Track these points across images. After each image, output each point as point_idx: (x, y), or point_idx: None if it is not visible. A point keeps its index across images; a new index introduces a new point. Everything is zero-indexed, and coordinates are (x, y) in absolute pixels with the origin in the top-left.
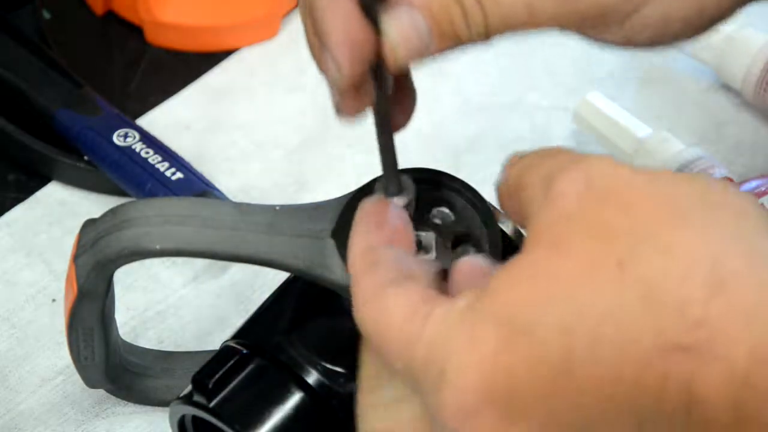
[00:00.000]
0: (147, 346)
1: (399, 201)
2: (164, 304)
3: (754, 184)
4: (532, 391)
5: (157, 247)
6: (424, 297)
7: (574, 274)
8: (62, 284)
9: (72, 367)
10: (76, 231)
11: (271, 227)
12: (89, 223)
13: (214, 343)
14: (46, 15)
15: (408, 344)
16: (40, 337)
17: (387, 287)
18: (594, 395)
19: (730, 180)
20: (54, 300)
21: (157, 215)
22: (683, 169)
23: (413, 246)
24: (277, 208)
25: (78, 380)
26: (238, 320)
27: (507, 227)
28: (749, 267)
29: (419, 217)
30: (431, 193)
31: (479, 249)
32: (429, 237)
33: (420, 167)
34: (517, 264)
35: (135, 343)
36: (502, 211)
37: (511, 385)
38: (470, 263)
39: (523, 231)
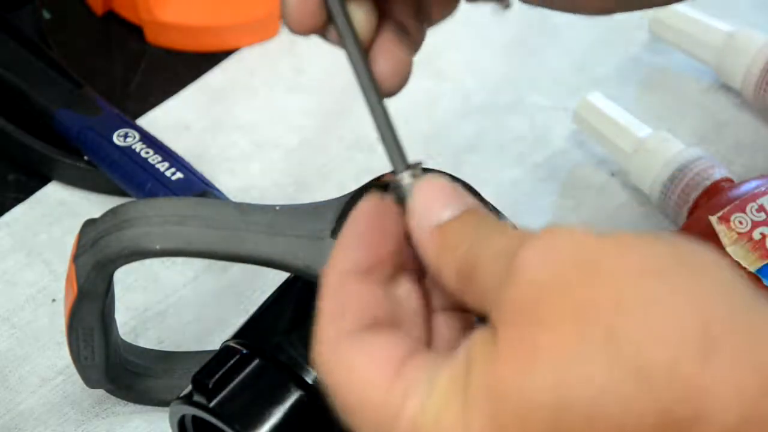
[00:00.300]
0: (147, 346)
1: (406, 177)
2: (164, 304)
3: (754, 184)
4: None
5: (157, 247)
6: (396, 358)
7: (561, 351)
8: (62, 284)
9: (72, 367)
10: (76, 231)
11: (271, 227)
12: (89, 223)
13: (214, 343)
14: (46, 15)
15: (384, 419)
16: (40, 337)
17: (350, 341)
18: None
19: (730, 180)
20: (54, 300)
21: (157, 215)
22: (683, 169)
23: (402, 262)
24: (277, 208)
25: (78, 380)
26: (238, 320)
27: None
28: (736, 324)
29: None
30: None
31: None
32: None
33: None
34: (500, 340)
35: (135, 343)
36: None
37: None
38: (434, 186)
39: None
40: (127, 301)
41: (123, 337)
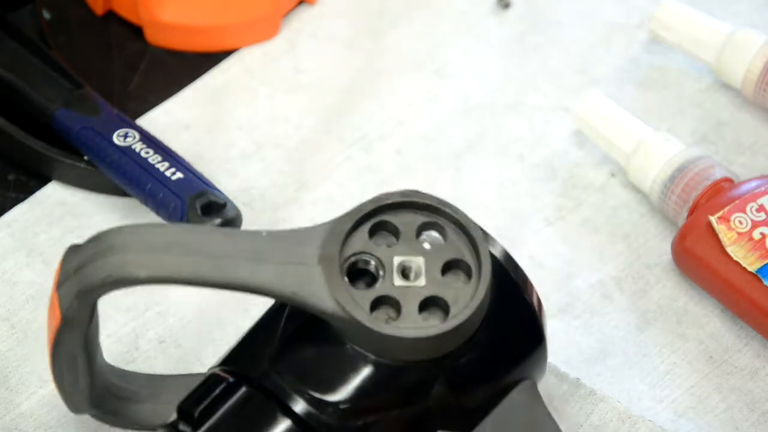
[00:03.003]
0: (147, 347)
1: None
2: (165, 305)
3: (754, 184)
4: None
5: (142, 275)
6: None
7: None
8: None
9: None
10: (77, 231)
11: (257, 254)
12: (73, 250)
13: (214, 341)
14: (46, 15)
15: None
16: (40, 338)
17: None
18: None
19: (730, 180)
20: None
21: (141, 242)
22: (683, 169)
23: None
24: (264, 234)
25: None
26: (238, 319)
27: (496, 250)
28: None
29: (408, 242)
30: (421, 217)
31: (469, 275)
32: (418, 262)
33: (410, 190)
34: None
35: (135, 345)
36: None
37: None
38: None
39: (510, 254)
40: (127, 302)
41: (123, 338)
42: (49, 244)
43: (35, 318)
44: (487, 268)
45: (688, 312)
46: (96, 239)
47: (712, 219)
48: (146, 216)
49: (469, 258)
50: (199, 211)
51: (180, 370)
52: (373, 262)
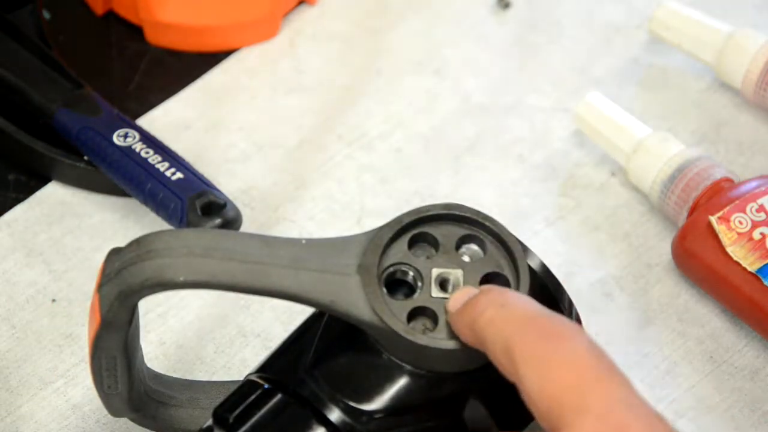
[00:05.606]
0: (148, 349)
1: None
2: (165, 306)
3: (754, 184)
4: None
5: (181, 279)
6: None
7: None
8: (62, 284)
9: (72, 370)
10: (76, 231)
11: (296, 261)
12: (114, 252)
13: (215, 340)
14: (46, 15)
15: None
16: (40, 339)
17: None
18: None
19: (730, 180)
20: (54, 300)
21: (181, 246)
22: (683, 169)
23: None
24: (304, 241)
25: (79, 384)
26: (238, 318)
27: (535, 264)
28: None
29: (447, 254)
30: (461, 229)
31: (508, 288)
32: (457, 275)
33: (452, 203)
34: None
35: None
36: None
37: None
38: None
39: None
40: None
41: None
42: (49, 244)
43: (35, 318)
44: (525, 282)
45: (689, 311)
46: (136, 243)
47: (712, 219)
48: (146, 216)
49: (507, 272)
50: (199, 212)
51: (181, 370)
52: (411, 273)
